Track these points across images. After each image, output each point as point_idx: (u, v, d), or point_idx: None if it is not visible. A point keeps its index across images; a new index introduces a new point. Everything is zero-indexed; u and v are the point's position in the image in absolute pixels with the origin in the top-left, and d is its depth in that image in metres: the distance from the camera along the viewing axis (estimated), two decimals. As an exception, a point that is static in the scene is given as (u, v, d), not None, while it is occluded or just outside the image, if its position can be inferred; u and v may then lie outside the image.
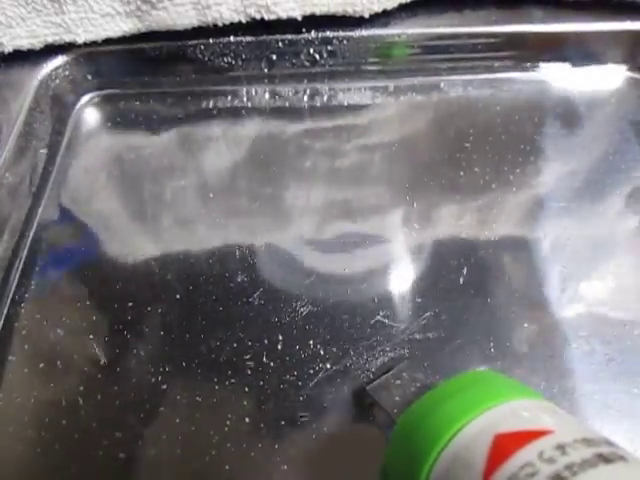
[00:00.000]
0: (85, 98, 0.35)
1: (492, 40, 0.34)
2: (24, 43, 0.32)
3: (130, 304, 0.27)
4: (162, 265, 0.28)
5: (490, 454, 0.14)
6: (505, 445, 0.14)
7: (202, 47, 0.34)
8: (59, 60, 0.33)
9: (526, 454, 0.13)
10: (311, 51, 0.34)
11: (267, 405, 0.24)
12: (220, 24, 0.32)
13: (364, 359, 0.25)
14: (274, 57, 0.34)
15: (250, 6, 0.31)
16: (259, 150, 0.32)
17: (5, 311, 0.27)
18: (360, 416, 0.24)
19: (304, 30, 0.33)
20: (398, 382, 0.23)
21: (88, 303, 0.27)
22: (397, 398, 0.22)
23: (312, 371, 0.25)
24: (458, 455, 0.14)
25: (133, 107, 0.35)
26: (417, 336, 0.26)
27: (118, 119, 0.35)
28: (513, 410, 0.15)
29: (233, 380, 0.25)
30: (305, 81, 0.35)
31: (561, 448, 0.13)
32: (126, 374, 0.25)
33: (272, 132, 0.33)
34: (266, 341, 0.26)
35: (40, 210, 0.31)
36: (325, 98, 0.35)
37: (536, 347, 0.25)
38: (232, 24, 0.32)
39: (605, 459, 0.12)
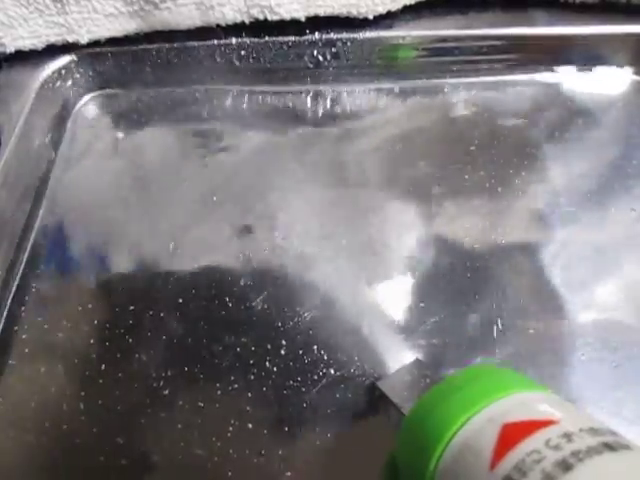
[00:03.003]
0: (86, 98, 0.35)
1: (497, 43, 0.34)
2: (26, 43, 0.32)
3: (132, 308, 0.27)
4: (164, 268, 0.28)
5: (498, 442, 0.14)
6: (513, 434, 0.14)
7: (205, 48, 0.34)
8: (61, 61, 0.33)
9: (533, 442, 0.13)
10: (315, 53, 0.34)
11: (270, 411, 0.24)
12: (223, 24, 0.32)
13: (368, 365, 0.25)
14: (277, 58, 0.34)
15: (253, 7, 0.31)
16: (262, 152, 0.32)
17: (5, 314, 0.27)
18: (364, 422, 0.24)
19: (308, 32, 0.33)
20: (408, 378, 0.23)
21: (89, 307, 0.27)
22: (406, 393, 0.22)
23: (316, 377, 0.25)
24: (467, 444, 0.15)
25: (135, 107, 0.35)
26: (421, 342, 0.25)
27: (119, 119, 0.34)
28: (521, 401, 0.16)
29: (236, 385, 0.25)
30: (308, 83, 0.35)
31: (567, 436, 0.13)
32: (128, 379, 0.25)
33: (275, 134, 0.33)
34: (269, 346, 0.25)
35: (41, 212, 0.30)
36: (329, 100, 0.34)
37: (542, 354, 0.25)
38: (235, 25, 0.32)
39: (610, 447, 0.13)
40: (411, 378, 0.23)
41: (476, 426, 0.15)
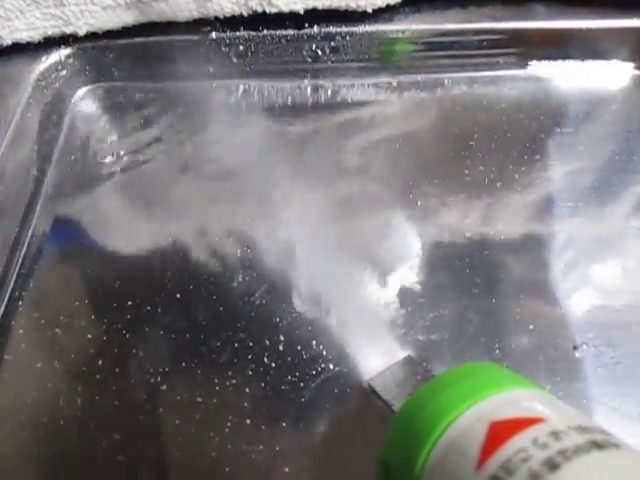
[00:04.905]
0: (84, 90, 0.35)
1: (497, 37, 0.33)
2: (23, 36, 0.31)
3: (129, 303, 0.27)
4: (162, 264, 0.28)
5: (485, 440, 0.14)
6: (500, 432, 0.14)
7: (202, 41, 0.33)
8: (58, 53, 0.33)
9: (520, 440, 0.13)
10: (313, 47, 0.34)
11: (268, 406, 0.24)
12: (221, 17, 0.32)
13: (367, 361, 0.25)
14: (276, 53, 0.34)
15: (251, -1, 0.31)
16: (261, 147, 0.32)
17: (2, 309, 0.27)
18: (362, 418, 0.24)
19: (306, 25, 0.33)
20: (399, 375, 0.23)
21: (86, 302, 0.27)
22: (397, 390, 0.22)
23: (314, 372, 0.25)
24: (454, 442, 0.15)
25: (132, 101, 0.35)
26: (420, 337, 0.25)
27: (116, 113, 0.34)
28: (509, 399, 0.15)
29: (234, 381, 0.24)
30: (307, 77, 0.35)
31: (555, 435, 0.13)
32: (125, 374, 0.25)
33: (274, 129, 0.33)
34: (267, 341, 0.25)
35: (38, 207, 0.30)
36: (328, 94, 0.34)
37: (542, 349, 0.25)
38: (233, 17, 0.32)
39: (598, 446, 0.13)
40: (402, 375, 0.23)
41: (464, 424, 0.15)
